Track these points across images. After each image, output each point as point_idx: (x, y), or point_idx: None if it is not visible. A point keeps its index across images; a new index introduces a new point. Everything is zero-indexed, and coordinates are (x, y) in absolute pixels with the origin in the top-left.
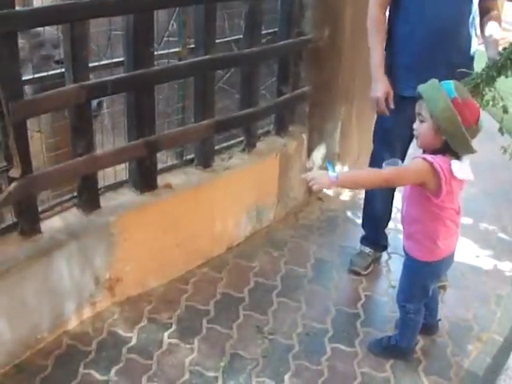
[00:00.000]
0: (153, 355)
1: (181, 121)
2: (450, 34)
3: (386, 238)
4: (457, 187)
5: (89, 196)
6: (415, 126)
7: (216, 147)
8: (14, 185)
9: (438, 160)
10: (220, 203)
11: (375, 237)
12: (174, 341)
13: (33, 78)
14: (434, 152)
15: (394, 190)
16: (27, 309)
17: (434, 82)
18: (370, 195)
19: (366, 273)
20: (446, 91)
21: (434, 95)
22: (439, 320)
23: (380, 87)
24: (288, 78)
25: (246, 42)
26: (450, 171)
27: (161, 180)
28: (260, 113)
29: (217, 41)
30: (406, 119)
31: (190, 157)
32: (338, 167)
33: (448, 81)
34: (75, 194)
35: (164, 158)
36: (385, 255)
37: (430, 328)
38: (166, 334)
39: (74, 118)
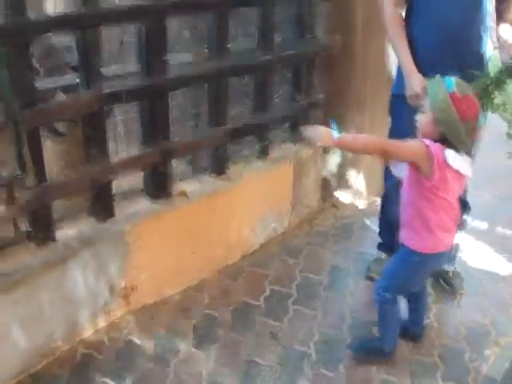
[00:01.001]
0: (169, 364)
1: (195, 128)
2: (460, 36)
3: None
4: (453, 179)
5: (103, 204)
6: (417, 117)
7: (230, 155)
8: (28, 193)
9: (434, 145)
10: (235, 211)
11: (392, 243)
12: (190, 349)
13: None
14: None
15: None
16: (42, 318)
17: (438, 77)
18: (386, 201)
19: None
20: (446, 85)
21: (434, 88)
22: (424, 328)
23: (417, 82)
24: (301, 85)
25: (259, 50)
26: (445, 158)
27: (175, 188)
28: (274, 120)
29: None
30: None
31: (203, 165)
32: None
33: (451, 77)
34: (90, 202)
35: (176, 166)
36: None
37: (413, 336)
38: (182, 343)
39: (88, 126)
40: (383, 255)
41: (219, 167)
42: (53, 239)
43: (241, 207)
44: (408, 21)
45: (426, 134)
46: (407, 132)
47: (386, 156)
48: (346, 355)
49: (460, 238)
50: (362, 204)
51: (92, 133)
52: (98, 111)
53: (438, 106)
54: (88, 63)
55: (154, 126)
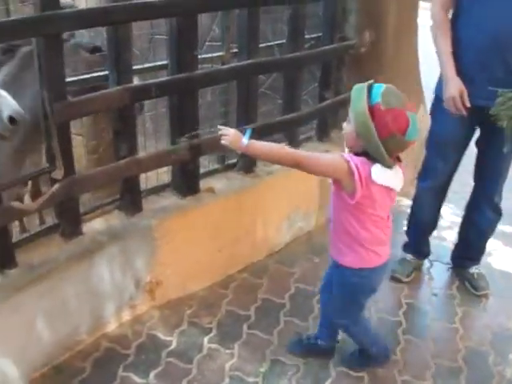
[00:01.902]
0: (193, 359)
1: (223, 125)
2: (507, 42)
3: (429, 245)
4: (382, 194)
5: (131, 199)
6: (344, 125)
7: None
8: (56, 186)
9: (356, 160)
10: (262, 208)
11: (418, 244)
12: (214, 345)
13: (77, 80)
14: (358, 155)
15: (443, 197)
16: (67, 310)
17: (364, 84)
18: (416, 203)
19: (407, 280)
20: (371, 95)
21: (356, 97)
22: (337, 342)
23: (454, 86)
24: (330, 84)
25: (289, 47)
26: (369, 174)
27: (203, 184)
28: (302, 118)
29: (260, 45)
30: (460, 126)
31: (232, 161)
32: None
33: (380, 84)
34: (117, 196)
35: (206, 163)
36: (427, 263)
37: (322, 351)
38: (206, 339)
39: (118, 120)
40: (408, 256)
41: (247, 165)
42: (80, 233)
43: (268, 205)
44: (454, 24)
45: (351, 145)
46: (447, 135)
47: (302, 169)
48: None
49: (488, 242)
50: None
51: (122, 127)
52: (128, 106)
53: (357, 118)
54: (119, 58)
55: (183, 122)
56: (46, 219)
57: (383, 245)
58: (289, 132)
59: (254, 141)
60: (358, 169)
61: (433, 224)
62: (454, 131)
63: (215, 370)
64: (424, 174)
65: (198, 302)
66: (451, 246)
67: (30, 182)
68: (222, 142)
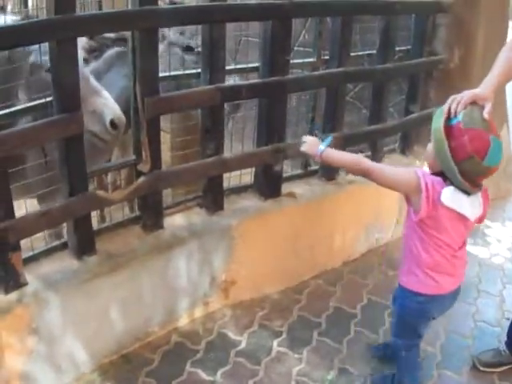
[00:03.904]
0: (261, 361)
1: (309, 131)
2: None
3: None
4: (451, 219)
5: (213, 197)
6: (428, 144)
7: None
8: (141, 179)
9: (429, 178)
10: (341, 217)
11: None
12: (283, 349)
13: (169, 76)
14: (436, 175)
15: None
16: (141, 301)
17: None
18: None
19: (486, 369)
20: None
21: (437, 115)
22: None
23: (478, 91)
24: (417, 98)
25: (379, 58)
26: (439, 195)
27: (284, 189)
28: (387, 130)
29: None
30: None
31: (314, 168)
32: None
33: (471, 106)
34: (200, 193)
35: (287, 168)
36: None
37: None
38: (275, 342)
39: (207, 119)
40: (502, 346)
41: (329, 172)
42: (160, 226)
43: (347, 214)
44: None
45: (430, 164)
46: None
47: (373, 180)
48: (437, 373)
49: None
50: None
51: (210, 126)
52: (219, 105)
53: (433, 134)
54: (212, 57)
55: (271, 125)
56: (124, 211)
57: (446, 274)
58: (373, 142)
59: (330, 149)
60: (427, 187)
61: None
62: None
63: (282, 374)
64: None
65: (270, 304)
66: None
67: (109, 174)
68: (301, 148)
